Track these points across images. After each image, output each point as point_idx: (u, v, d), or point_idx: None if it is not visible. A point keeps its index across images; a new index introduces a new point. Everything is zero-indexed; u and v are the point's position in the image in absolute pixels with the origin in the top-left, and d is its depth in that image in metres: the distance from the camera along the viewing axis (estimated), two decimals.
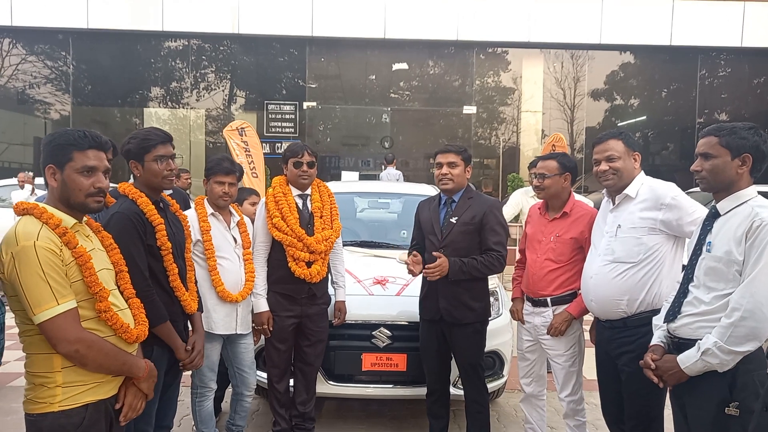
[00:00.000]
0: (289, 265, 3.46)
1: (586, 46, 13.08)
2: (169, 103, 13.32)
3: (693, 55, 13.43)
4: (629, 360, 2.71)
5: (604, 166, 2.83)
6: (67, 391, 1.84)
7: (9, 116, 12.82)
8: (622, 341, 2.77)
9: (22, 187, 8.96)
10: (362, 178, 11.61)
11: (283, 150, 3.74)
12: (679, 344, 2.31)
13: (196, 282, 2.81)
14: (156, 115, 13.37)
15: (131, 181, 2.65)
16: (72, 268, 1.83)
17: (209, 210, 3.33)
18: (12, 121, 12.82)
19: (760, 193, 2.26)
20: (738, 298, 2.10)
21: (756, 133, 2.22)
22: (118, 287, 2.08)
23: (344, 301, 3.72)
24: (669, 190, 2.74)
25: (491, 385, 3.96)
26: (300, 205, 3.59)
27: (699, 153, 2.30)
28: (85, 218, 2.03)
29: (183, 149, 12.73)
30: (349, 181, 9.53)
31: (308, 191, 3.66)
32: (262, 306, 3.48)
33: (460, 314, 3.34)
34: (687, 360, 2.20)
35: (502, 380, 4.03)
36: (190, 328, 2.74)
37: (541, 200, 3.42)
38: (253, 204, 4.09)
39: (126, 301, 2.08)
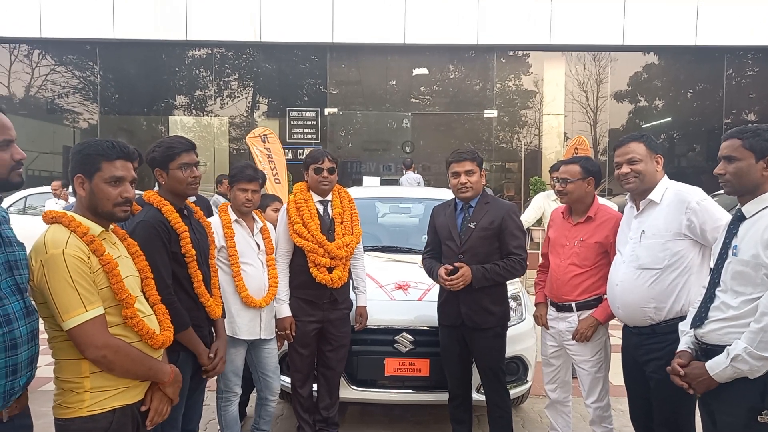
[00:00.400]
0: (310, 270, 3.49)
1: (609, 47, 12.93)
2: (194, 110, 13.51)
3: (719, 55, 13.19)
4: (657, 367, 2.65)
5: (625, 169, 2.80)
6: (94, 396, 1.87)
7: (39, 125, 13.12)
8: (650, 348, 2.73)
9: (57, 197, 8.95)
10: (383, 183, 11.63)
11: (304, 156, 3.75)
12: (707, 350, 2.26)
13: (219, 288, 2.84)
14: (181, 123, 13.57)
15: (156, 188, 2.70)
16: (99, 275, 1.87)
17: (233, 216, 3.36)
18: (42, 131, 13.12)
19: None
20: (767, 302, 2.05)
21: None
22: (144, 294, 2.12)
23: (365, 306, 3.73)
24: (694, 194, 2.69)
25: (515, 391, 3.93)
26: (321, 211, 3.62)
27: (722, 156, 2.27)
28: (111, 226, 2.07)
29: (207, 156, 12.88)
30: (370, 186, 9.56)
31: (329, 197, 3.68)
32: (285, 311, 3.51)
33: (480, 319, 3.33)
34: (716, 367, 2.16)
35: (526, 386, 3.99)
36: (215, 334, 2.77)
37: (563, 204, 3.39)
38: (276, 210, 4.12)
39: (151, 308, 2.12)
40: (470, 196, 3.42)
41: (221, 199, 7.17)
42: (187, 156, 2.57)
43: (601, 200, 6.24)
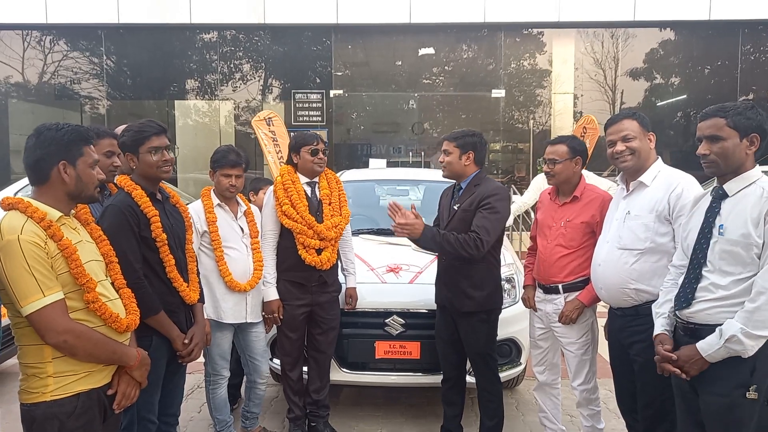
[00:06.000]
0: (299, 252, 3.47)
1: (620, 23, 12.61)
2: (199, 94, 13.47)
3: (735, 29, 12.83)
4: (641, 349, 2.61)
5: (620, 147, 2.73)
6: (58, 381, 1.87)
7: (48, 111, 13.18)
8: (634, 330, 2.68)
9: None
10: (390, 165, 11.51)
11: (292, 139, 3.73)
12: (694, 330, 2.22)
13: (198, 273, 2.82)
14: (187, 107, 13.56)
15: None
16: (58, 260, 1.86)
17: (215, 201, 3.34)
18: (51, 117, 13.17)
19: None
20: (762, 282, 2.02)
21: (758, 112, 2.16)
22: (110, 278, 2.11)
23: (355, 288, 3.72)
24: (684, 181, 2.62)
25: (508, 373, 3.92)
26: (309, 192, 3.59)
27: (705, 136, 2.20)
28: (73, 211, 2.06)
29: (214, 140, 12.86)
30: (374, 168, 9.47)
31: (316, 179, 3.65)
32: (272, 294, 3.50)
33: (459, 303, 3.30)
34: (708, 348, 2.12)
35: (520, 368, 3.98)
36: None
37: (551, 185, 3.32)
38: None
39: (117, 292, 2.11)
40: (446, 175, 3.44)
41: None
42: (158, 139, 2.54)
43: (594, 178, 6.14)
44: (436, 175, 5.75)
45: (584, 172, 6.67)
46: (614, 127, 2.77)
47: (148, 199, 2.49)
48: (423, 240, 3.10)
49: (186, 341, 2.58)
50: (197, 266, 2.81)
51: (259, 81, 13.50)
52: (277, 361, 3.85)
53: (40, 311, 1.79)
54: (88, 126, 2.06)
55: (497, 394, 3.47)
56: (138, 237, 2.45)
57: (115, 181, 2.59)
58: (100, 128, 2.74)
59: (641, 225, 2.63)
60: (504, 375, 3.89)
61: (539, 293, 3.30)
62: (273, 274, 3.52)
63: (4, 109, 12.92)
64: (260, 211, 3.68)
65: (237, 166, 3.32)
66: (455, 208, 3.34)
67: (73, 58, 13.12)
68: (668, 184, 2.62)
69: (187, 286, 2.62)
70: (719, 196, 2.21)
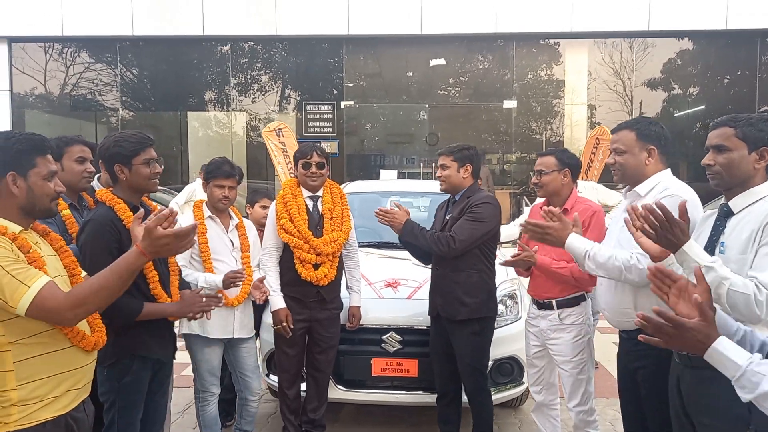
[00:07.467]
0: (295, 267, 3.42)
1: (634, 33, 12.46)
2: (211, 105, 13.56)
3: (753, 38, 12.61)
4: (647, 375, 2.46)
5: (610, 159, 2.64)
6: (22, 410, 1.77)
7: (64, 122, 13.34)
8: (639, 353, 2.50)
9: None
10: (402, 176, 11.44)
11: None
12: (691, 357, 2.07)
13: (180, 286, 2.75)
14: (200, 118, 13.65)
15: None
16: None
17: (206, 213, 3.30)
18: (67, 127, 13.29)
19: None
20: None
21: None
22: None
23: (359, 307, 3.63)
24: (677, 192, 2.43)
25: (511, 392, 3.82)
26: (310, 206, 3.54)
27: (711, 145, 2.08)
28: (31, 224, 1.97)
29: (225, 151, 12.90)
30: (385, 179, 9.40)
31: (320, 192, 3.60)
32: (278, 303, 3.43)
33: (453, 310, 3.27)
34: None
35: (522, 387, 3.86)
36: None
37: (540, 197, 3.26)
38: (265, 207, 4.04)
39: None
40: (445, 189, 3.45)
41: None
42: (152, 151, 2.50)
43: (604, 190, 5.95)
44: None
45: (595, 185, 6.52)
46: (612, 137, 2.69)
47: (131, 213, 2.43)
48: (405, 231, 3.31)
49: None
50: (179, 279, 2.74)
51: (270, 92, 13.56)
52: (274, 377, 3.78)
53: (32, 304, 1.69)
54: (58, 136, 1.99)
55: (483, 410, 3.40)
56: (119, 253, 2.39)
57: (95, 194, 2.55)
58: (69, 136, 2.70)
59: (631, 239, 2.50)
60: (507, 394, 3.79)
61: (533, 309, 3.22)
62: (277, 285, 3.47)
63: (21, 120, 13.11)
64: (254, 225, 3.65)
65: (230, 177, 3.28)
66: (447, 218, 3.38)
67: (90, 69, 13.30)
68: (659, 193, 2.46)
69: (170, 301, 2.56)
70: (725, 214, 2.09)
